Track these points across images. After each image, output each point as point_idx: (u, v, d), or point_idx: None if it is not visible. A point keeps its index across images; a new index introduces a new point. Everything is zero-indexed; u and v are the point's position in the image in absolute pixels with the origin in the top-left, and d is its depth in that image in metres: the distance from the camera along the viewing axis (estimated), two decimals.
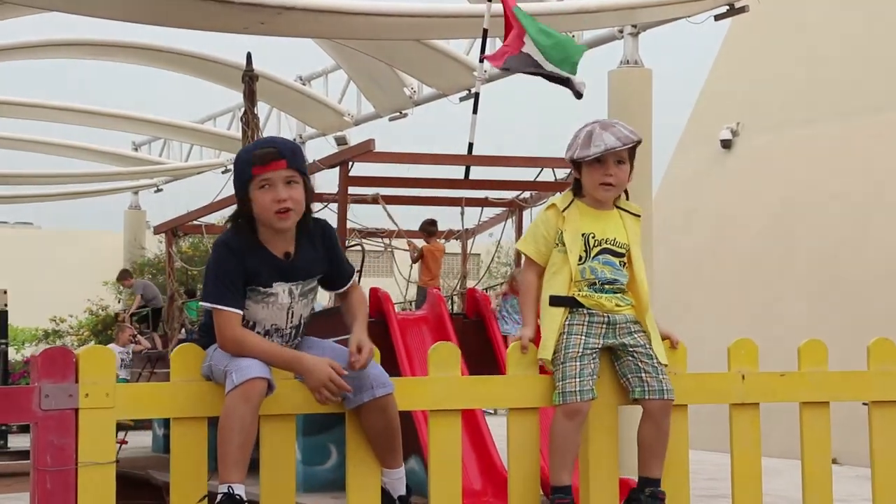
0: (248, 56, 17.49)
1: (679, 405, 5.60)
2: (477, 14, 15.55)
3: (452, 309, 16.38)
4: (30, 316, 38.69)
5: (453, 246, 17.80)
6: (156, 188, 30.79)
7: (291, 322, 5.17)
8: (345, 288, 5.32)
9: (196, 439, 4.94)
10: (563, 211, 5.61)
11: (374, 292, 13.69)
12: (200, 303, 5.09)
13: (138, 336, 17.45)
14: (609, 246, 5.57)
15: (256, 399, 4.81)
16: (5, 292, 19.36)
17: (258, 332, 5.08)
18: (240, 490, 4.76)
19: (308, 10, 15.07)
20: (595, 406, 5.45)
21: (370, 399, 5.07)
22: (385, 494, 5.30)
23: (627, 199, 5.74)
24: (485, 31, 15.11)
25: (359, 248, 16.47)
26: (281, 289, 5.10)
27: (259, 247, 5.06)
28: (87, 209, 59.98)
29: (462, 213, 16.22)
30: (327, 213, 15.95)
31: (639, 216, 5.73)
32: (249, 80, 17.41)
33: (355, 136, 22.95)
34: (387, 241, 17.53)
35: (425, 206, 17.03)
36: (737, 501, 5.79)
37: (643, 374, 5.47)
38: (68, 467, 4.66)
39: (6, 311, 19.52)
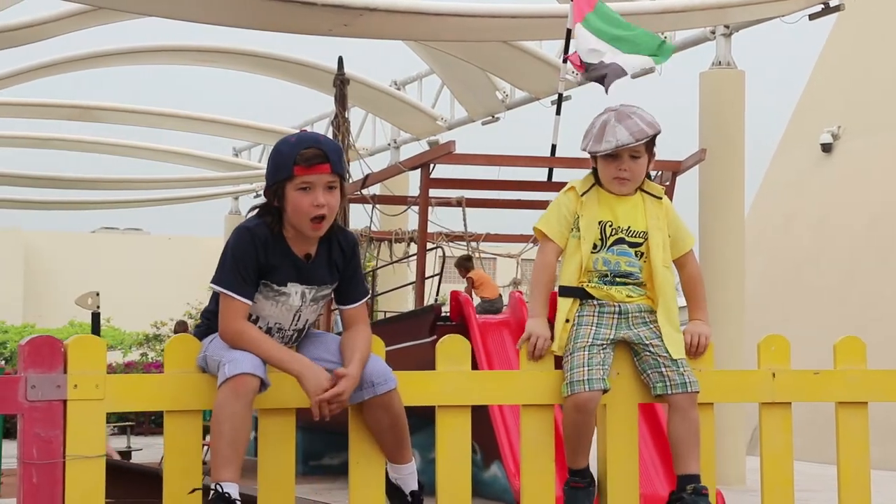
0: (340, 60, 17.51)
1: (706, 403, 5.37)
2: (564, 14, 15.35)
3: None
4: (139, 320, 39.15)
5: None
6: (255, 193, 30.79)
7: (296, 325, 5.01)
8: (350, 306, 5.06)
9: (189, 432, 4.79)
10: (583, 195, 5.38)
11: (455, 296, 13.61)
12: (210, 284, 4.88)
13: None
14: (624, 235, 5.34)
15: (248, 395, 4.64)
16: (97, 294, 19.48)
17: (260, 328, 4.91)
18: (230, 489, 4.60)
19: (390, 12, 15.01)
20: (614, 403, 5.25)
21: (371, 396, 4.89)
22: (397, 490, 5.11)
23: (651, 179, 5.48)
24: (568, 32, 14.91)
25: (439, 250, 16.44)
26: (294, 290, 4.93)
27: (282, 243, 4.89)
28: (193, 214, 60.66)
29: None
30: (409, 215, 15.92)
31: (661, 198, 5.45)
32: (341, 83, 17.45)
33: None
34: (474, 244, 17.43)
35: (509, 209, 16.89)
36: None
37: (663, 369, 5.25)
38: (56, 461, 4.52)
39: (99, 313, 19.66)
